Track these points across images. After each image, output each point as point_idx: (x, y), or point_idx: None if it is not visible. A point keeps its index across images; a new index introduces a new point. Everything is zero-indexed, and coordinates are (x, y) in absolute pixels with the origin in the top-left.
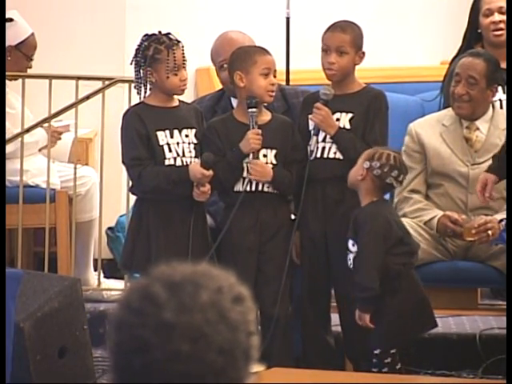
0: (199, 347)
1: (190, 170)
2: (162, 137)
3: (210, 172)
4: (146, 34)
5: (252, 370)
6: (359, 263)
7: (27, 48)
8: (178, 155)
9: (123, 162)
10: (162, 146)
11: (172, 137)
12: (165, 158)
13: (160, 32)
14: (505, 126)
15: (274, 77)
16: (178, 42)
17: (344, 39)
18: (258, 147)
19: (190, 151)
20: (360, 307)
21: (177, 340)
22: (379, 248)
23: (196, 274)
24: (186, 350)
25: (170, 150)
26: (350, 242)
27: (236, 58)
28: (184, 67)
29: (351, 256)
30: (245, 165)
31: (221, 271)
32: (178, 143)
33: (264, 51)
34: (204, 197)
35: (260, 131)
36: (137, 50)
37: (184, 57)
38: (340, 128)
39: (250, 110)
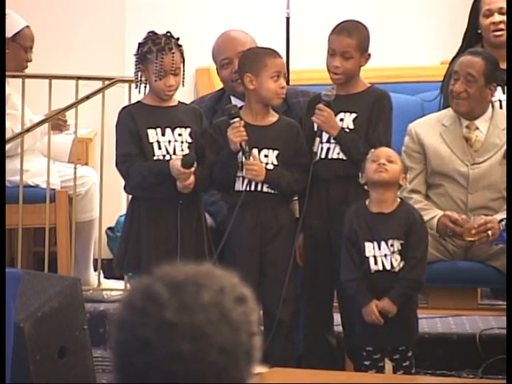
0: (200, 347)
1: (170, 165)
2: (153, 134)
3: (189, 170)
4: (152, 31)
5: (254, 370)
6: (417, 260)
7: (23, 39)
8: (168, 153)
9: None
10: (152, 143)
11: (163, 135)
12: (153, 155)
13: (169, 32)
14: (505, 125)
15: (284, 79)
16: (173, 48)
17: (350, 44)
18: (240, 139)
19: (183, 149)
20: (398, 302)
21: (178, 339)
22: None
23: (198, 274)
24: (186, 350)
25: (160, 148)
26: (390, 242)
27: (246, 60)
28: (173, 73)
29: (392, 257)
30: (240, 164)
31: (223, 272)
32: (169, 141)
33: (274, 53)
34: (187, 189)
35: (241, 123)
36: (138, 45)
37: (173, 63)
38: (342, 129)
39: (231, 120)
